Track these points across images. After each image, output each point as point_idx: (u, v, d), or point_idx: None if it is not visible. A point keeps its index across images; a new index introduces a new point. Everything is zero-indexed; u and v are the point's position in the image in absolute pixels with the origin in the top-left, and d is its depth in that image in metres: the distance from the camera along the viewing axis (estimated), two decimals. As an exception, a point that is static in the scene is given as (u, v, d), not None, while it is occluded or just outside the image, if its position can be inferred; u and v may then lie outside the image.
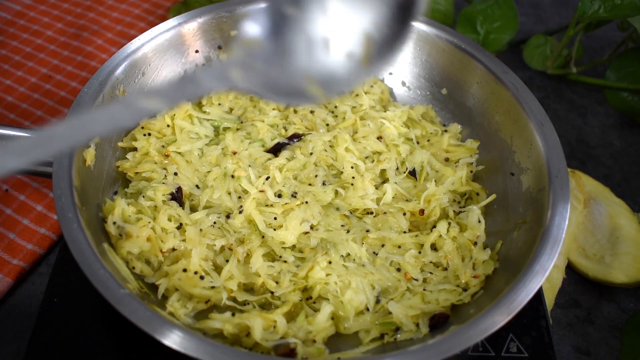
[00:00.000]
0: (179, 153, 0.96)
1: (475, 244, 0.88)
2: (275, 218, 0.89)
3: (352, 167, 0.95)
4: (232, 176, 0.93)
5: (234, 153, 0.97)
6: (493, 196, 0.94)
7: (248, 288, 0.85)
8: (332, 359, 0.76)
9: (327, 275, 0.83)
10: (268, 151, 0.99)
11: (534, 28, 1.54)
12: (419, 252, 0.88)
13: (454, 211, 0.94)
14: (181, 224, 0.87)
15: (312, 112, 1.05)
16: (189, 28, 1.04)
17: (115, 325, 0.83)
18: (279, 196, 0.92)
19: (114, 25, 1.44)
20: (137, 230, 0.82)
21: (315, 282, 0.83)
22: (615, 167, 1.22)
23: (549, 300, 0.96)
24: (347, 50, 0.63)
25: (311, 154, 0.97)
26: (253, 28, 0.64)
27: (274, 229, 0.88)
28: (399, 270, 0.86)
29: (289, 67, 0.63)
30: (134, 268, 0.82)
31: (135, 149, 0.95)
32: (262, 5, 1.08)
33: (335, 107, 1.08)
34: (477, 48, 1.02)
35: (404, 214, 0.92)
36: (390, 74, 1.14)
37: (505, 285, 0.75)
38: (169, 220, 0.86)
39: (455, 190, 0.96)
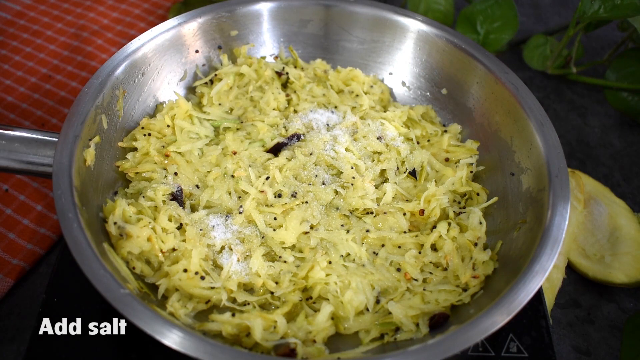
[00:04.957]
0: (179, 153, 0.96)
1: (475, 244, 0.88)
2: (275, 218, 0.89)
3: (352, 167, 0.95)
4: (232, 176, 0.93)
5: (234, 153, 0.97)
6: (495, 199, 0.94)
7: (248, 288, 0.85)
8: (332, 359, 0.76)
9: (327, 275, 0.83)
10: (268, 151, 0.99)
11: (534, 28, 1.55)
12: (419, 252, 0.88)
13: (454, 212, 0.94)
14: (181, 224, 0.87)
15: (312, 111, 1.05)
16: (189, 28, 1.04)
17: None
18: (279, 196, 0.92)
19: (114, 25, 1.44)
20: (138, 230, 0.82)
21: (315, 282, 0.82)
22: (615, 167, 1.22)
23: (549, 300, 0.96)
24: None
25: (311, 154, 0.97)
26: None
27: (274, 229, 0.88)
28: (399, 270, 0.86)
29: None
30: (134, 268, 0.82)
31: (135, 149, 0.95)
32: (262, 5, 1.09)
33: (335, 107, 1.08)
34: (477, 48, 1.02)
35: (404, 214, 0.92)
36: (390, 74, 1.14)
37: (505, 285, 0.75)
38: (169, 220, 0.86)
39: (456, 190, 0.96)
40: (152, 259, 0.84)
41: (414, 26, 1.08)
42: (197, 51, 1.07)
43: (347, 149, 0.98)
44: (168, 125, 0.98)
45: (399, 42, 1.11)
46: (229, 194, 0.92)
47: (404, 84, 1.14)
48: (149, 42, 0.98)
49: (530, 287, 0.72)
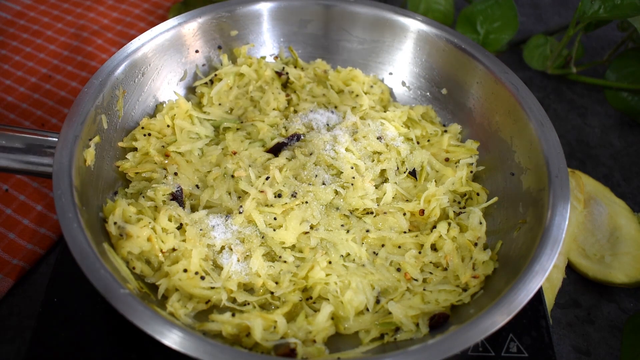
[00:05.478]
0: (179, 153, 0.96)
1: (475, 244, 0.88)
2: (275, 218, 0.89)
3: (352, 167, 0.95)
4: (232, 176, 0.93)
5: (234, 153, 0.97)
6: (495, 199, 0.94)
7: (248, 288, 0.85)
8: (332, 359, 0.76)
9: (327, 275, 0.83)
10: (268, 151, 0.99)
11: (534, 28, 1.55)
12: (419, 252, 0.88)
13: (454, 212, 0.94)
14: (181, 224, 0.87)
15: (312, 111, 1.05)
16: (189, 28, 1.04)
17: (116, 325, 0.83)
18: (279, 196, 0.92)
19: (114, 25, 1.44)
20: (138, 230, 0.82)
21: (315, 282, 0.82)
22: (615, 167, 1.22)
23: (549, 300, 0.96)
24: None
25: (311, 154, 0.97)
26: None
27: (274, 229, 0.88)
28: (399, 270, 0.86)
29: None
30: (134, 268, 0.82)
31: (135, 149, 0.95)
32: (262, 5, 1.09)
33: (336, 107, 1.08)
34: (477, 48, 1.02)
35: (404, 214, 0.92)
36: (390, 74, 1.14)
37: (505, 285, 0.75)
38: (169, 220, 0.86)
39: (456, 190, 0.96)
40: (152, 259, 0.84)
41: (414, 26, 1.08)
42: (197, 51, 1.07)
43: (347, 149, 0.98)
44: (168, 125, 0.98)
45: (399, 42, 1.11)
46: (229, 194, 0.92)
47: (404, 84, 1.14)
48: (149, 42, 0.98)
49: (530, 287, 0.72)
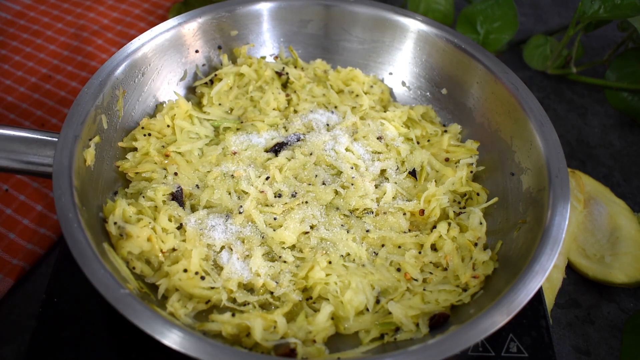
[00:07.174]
0: (179, 153, 0.96)
1: (475, 244, 0.88)
2: (275, 218, 0.89)
3: (352, 167, 0.95)
4: (232, 176, 0.93)
5: (234, 153, 0.97)
6: (495, 199, 0.94)
7: (248, 288, 0.85)
8: (332, 359, 0.76)
9: (327, 275, 0.83)
10: (268, 151, 0.99)
11: (534, 28, 1.55)
12: (419, 252, 0.88)
13: (454, 212, 0.93)
14: (181, 224, 0.87)
15: (312, 111, 1.05)
16: (189, 28, 1.04)
17: (116, 325, 0.83)
18: (279, 196, 0.92)
19: (114, 25, 1.44)
20: (138, 230, 0.82)
21: (315, 282, 0.82)
22: (615, 167, 1.22)
23: (549, 300, 0.96)
24: None
25: (311, 154, 0.97)
26: None
27: (274, 229, 0.88)
28: (399, 270, 0.86)
29: None
30: (134, 268, 0.82)
31: (135, 149, 0.95)
32: (262, 5, 1.09)
33: (336, 107, 1.08)
34: (477, 48, 1.02)
35: (404, 214, 0.92)
36: (390, 74, 1.14)
37: (505, 285, 0.75)
38: (169, 220, 0.86)
39: (456, 190, 0.96)
40: (152, 259, 0.84)
41: (414, 26, 1.08)
42: (197, 51, 1.07)
43: (347, 149, 0.98)
44: (168, 125, 0.98)
45: (399, 42, 1.11)
46: (229, 193, 0.92)
47: (404, 84, 1.14)
48: (149, 42, 0.98)
49: (530, 287, 0.72)
